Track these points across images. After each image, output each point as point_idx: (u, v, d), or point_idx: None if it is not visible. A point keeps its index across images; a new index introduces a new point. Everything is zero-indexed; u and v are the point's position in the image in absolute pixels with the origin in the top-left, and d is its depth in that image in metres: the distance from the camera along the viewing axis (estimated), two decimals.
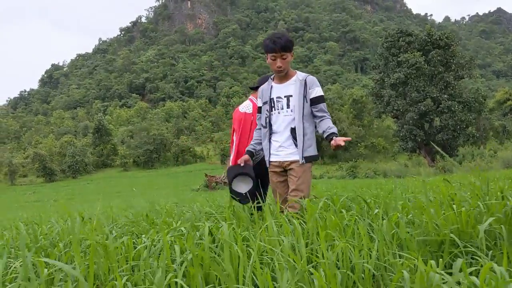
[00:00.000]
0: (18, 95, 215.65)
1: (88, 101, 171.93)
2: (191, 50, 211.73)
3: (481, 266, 1.75)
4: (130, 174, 72.00)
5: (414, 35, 42.81)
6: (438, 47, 40.68)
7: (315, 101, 3.46)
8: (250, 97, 4.39)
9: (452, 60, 40.36)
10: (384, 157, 63.06)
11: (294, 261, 1.81)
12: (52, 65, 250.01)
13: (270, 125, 3.55)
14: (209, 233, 2.27)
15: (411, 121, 40.03)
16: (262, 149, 3.71)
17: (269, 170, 3.61)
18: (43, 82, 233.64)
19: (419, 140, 40.26)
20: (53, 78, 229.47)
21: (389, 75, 41.75)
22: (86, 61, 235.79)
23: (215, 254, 2.17)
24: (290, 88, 3.50)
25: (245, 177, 3.57)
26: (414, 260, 1.78)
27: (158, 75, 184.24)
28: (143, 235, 2.66)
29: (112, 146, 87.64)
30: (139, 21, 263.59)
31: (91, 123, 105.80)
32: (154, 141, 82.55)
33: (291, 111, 3.48)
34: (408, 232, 2.21)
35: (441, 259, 1.74)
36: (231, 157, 4.19)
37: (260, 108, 3.68)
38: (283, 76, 3.53)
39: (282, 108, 3.51)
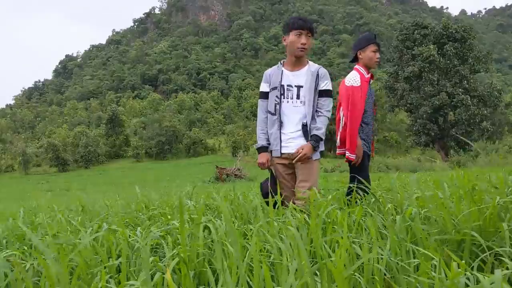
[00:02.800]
0: (33, 85, 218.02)
1: (101, 92, 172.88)
2: (204, 42, 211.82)
3: (507, 268, 1.55)
4: (142, 165, 72.24)
5: (430, 27, 42.11)
6: (454, 40, 40.03)
7: (323, 93, 3.44)
8: (356, 66, 4.11)
9: (468, 54, 39.70)
10: (397, 151, 62.42)
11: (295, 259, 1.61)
12: (66, 55, 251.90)
13: (280, 114, 3.44)
14: (205, 228, 2.08)
15: (424, 115, 39.56)
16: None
17: (276, 161, 3.51)
18: (57, 72, 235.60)
19: (433, 134, 39.75)
20: (67, 68, 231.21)
21: (403, 69, 41.25)
22: (100, 52, 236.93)
23: (210, 250, 1.99)
24: (301, 78, 3.44)
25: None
26: (432, 259, 1.58)
27: (171, 67, 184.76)
28: (139, 228, 2.49)
29: (125, 137, 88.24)
30: (152, 12, 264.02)
31: (104, 113, 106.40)
32: (166, 132, 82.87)
33: (301, 102, 3.43)
34: (424, 230, 2.01)
35: (463, 261, 1.54)
36: (338, 135, 4.03)
37: (265, 93, 3.55)
38: (298, 61, 3.46)
39: (292, 98, 3.45)
